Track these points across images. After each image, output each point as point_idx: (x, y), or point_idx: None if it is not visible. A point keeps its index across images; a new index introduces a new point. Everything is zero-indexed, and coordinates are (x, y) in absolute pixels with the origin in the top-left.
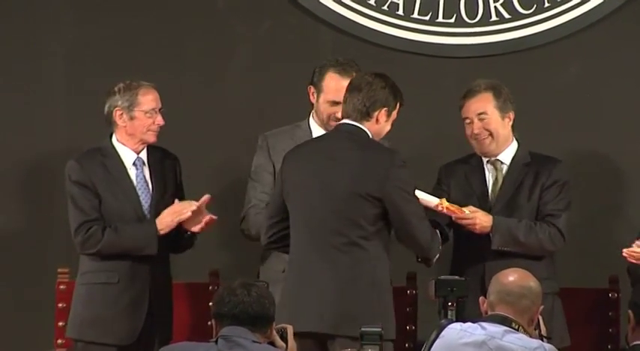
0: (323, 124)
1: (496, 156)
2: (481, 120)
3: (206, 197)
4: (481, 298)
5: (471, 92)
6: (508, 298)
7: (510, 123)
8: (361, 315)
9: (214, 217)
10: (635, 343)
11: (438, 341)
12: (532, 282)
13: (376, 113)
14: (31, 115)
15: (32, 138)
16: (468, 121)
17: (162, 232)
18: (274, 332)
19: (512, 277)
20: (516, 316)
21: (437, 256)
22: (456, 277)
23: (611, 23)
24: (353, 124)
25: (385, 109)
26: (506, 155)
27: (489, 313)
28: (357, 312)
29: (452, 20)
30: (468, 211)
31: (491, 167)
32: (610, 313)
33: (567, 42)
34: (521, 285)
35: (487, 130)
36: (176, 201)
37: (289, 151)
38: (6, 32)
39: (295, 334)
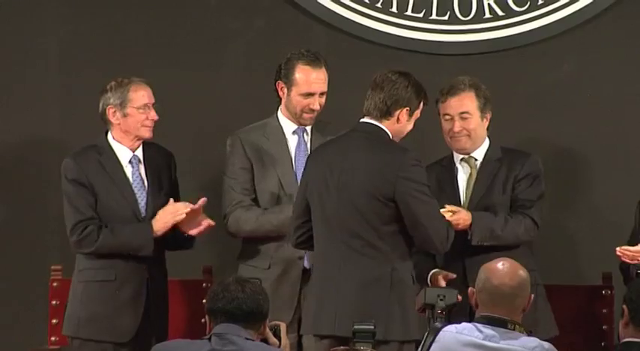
0: (295, 117)
1: (469, 153)
2: (463, 119)
3: (202, 200)
4: (470, 290)
5: (455, 89)
6: (501, 300)
7: (487, 123)
8: (380, 317)
9: (212, 223)
10: (627, 339)
11: (434, 345)
12: (521, 271)
13: (397, 112)
14: (25, 112)
15: (25, 135)
16: (447, 117)
17: (158, 233)
18: (267, 329)
19: (503, 273)
20: (510, 314)
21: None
22: (446, 287)
23: (605, 20)
24: (372, 123)
25: (407, 108)
26: (479, 152)
27: (481, 311)
28: (377, 314)
29: (445, 17)
30: (451, 211)
31: (466, 164)
32: (604, 310)
33: (561, 39)
34: (512, 285)
35: (466, 129)
36: (171, 201)
37: (313, 151)
38: None
39: (316, 336)
